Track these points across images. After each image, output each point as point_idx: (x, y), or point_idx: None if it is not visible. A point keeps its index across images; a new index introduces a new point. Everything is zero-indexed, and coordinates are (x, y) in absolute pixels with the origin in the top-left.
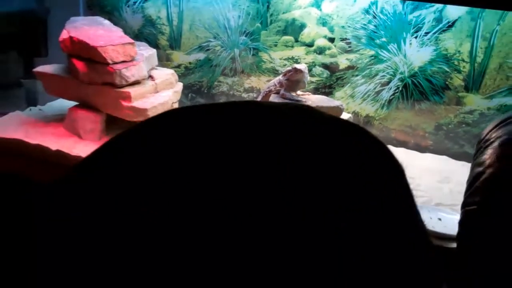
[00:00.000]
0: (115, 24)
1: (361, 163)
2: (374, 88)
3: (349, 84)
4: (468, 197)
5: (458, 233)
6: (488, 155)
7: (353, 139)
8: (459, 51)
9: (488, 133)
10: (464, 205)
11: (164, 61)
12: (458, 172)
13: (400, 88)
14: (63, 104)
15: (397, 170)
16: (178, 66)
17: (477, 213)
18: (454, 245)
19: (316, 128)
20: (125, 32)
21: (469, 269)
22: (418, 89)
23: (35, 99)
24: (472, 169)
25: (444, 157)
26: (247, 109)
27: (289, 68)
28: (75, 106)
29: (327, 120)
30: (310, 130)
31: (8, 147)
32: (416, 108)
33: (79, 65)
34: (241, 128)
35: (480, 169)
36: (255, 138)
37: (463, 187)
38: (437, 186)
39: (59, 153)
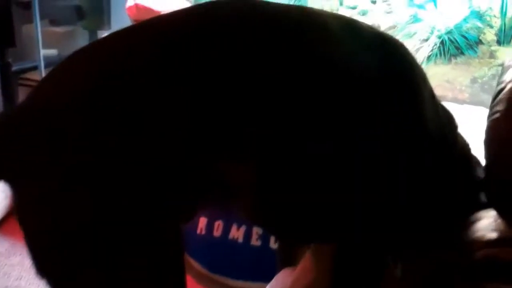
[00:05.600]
0: None
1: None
2: (414, 46)
3: None
4: (493, 108)
5: (485, 139)
6: (508, 74)
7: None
8: (490, 8)
9: (509, 62)
10: (490, 115)
11: None
12: None
13: (438, 45)
14: None
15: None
16: None
17: (500, 119)
18: None
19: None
20: None
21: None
22: (454, 44)
23: None
24: (496, 87)
25: (480, 107)
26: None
27: None
28: None
29: None
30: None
31: None
32: (453, 63)
33: None
34: None
35: (502, 85)
36: None
37: None
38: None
39: None
